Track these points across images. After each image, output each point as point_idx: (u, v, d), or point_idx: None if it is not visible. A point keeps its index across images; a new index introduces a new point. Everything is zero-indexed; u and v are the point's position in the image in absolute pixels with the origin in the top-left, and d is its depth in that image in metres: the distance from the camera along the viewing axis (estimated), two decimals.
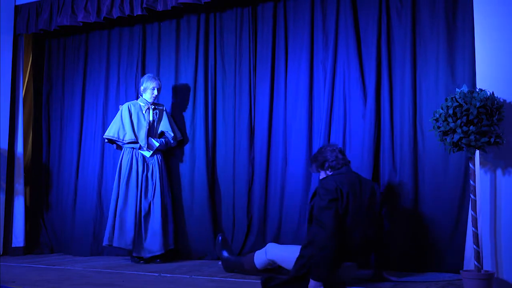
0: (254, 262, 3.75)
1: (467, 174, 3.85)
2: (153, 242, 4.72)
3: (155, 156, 4.90)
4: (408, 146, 4.18)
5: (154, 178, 4.85)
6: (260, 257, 3.76)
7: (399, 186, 4.21)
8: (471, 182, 3.17)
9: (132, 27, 5.51)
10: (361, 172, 4.30)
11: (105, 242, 4.78)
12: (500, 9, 3.35)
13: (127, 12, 5.12)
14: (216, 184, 5.04)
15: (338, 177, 3.42)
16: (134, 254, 4.72)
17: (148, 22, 5.43)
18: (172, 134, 4.97)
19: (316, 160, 3.62)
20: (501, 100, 3.23)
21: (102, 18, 5.25)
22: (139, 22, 5.46)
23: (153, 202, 4.81)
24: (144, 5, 4.98)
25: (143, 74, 5.40)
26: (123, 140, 4.88)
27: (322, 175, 3.63)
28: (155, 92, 4.92)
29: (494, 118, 3.06)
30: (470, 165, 3.18)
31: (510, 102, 3.25)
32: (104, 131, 5.50)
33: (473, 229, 3.12)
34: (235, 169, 4.92)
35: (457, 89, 3.17)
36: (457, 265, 3.71)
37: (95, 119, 5.57)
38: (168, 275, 4.03)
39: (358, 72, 4.44)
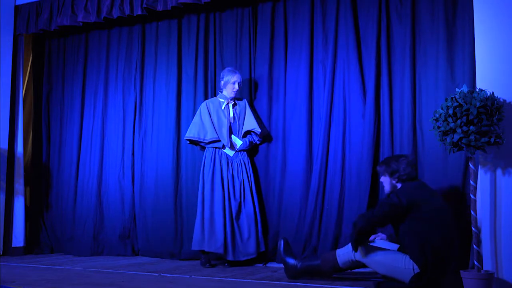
0: (337, 261, 3.58)
1: (467, 174, 3.85)
2: (249, 245, 4.48)
3: (238, 154, 4.65)
4: (408, 146, 4.18)
5: (240, 178, 4.59)
6: (347, 255, 3.57)
7: None
8: (471, 182, 3.16)
9: (132, 27, 5.51)
10: (360, 172, 4.32)
11: (196, 247, 4.52)
12: (500, 9, 3.35)
13: (127, 12, 5.13)
14: None
15: (411, 188, 3.45)
16: (229, 259, 4.43)
17: (147, 22, 5.43)
18: (260, 130, 4.65)
19: (388, 165, 3.58)
20: (501, 100, 3.23)
21: (102, 18, 5.25)
22: (139, 22, 5.46)
23: (244, 202, 4.56)
24: (144, 5, 4.99)
25: (142, 73, 5.41)
26: (204, 139, 4.64)
27: (386, 182, 3.60)
28: (236, 86, 4.64)
29: (494, 118, 3.06)
30: (470, 165, 3.18)
31: (510, 102, 3.25)
32: (103, 131, 5.51)
33: (473, 229, 3.12)
34: None
35: (457, 89, 3.17)
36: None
37: (95, 119, 5.57)
38: (168, 275, 4.03)
39: (357, 72, 4.45)
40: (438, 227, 3.29)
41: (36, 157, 5.85)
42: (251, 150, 4.82)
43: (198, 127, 4.68)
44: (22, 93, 5.71)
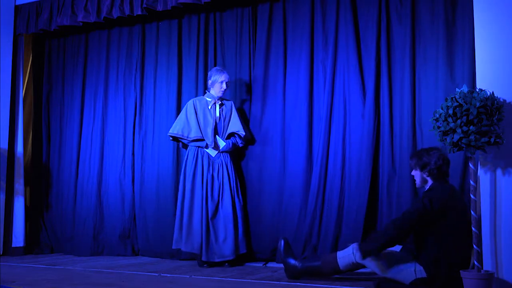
0: (337, 263, 3.54)
1: (467, 174, 3.85)
2: (224, 247, 4.44)
3: (221, 155, 4.62)
4: (408, 146, 4.18)
5: (219, 179, 4.56)
6: (347, 258, 3.52)
7: (398, 186, 4.21)
8: (471, 182, 3.16)
9: (132, 27, 5.51)
10: (360, 172, 4.32)
11: (174, 246, 4.58)
12: (500, 9, 3.35)
13: (127, 12, 5.13)
14: None
15: (445, 193, 3.32)
16: (203, 259, 4.43)
17: (147, 22, 5.43)
18: (244, 133, 4.65)
19: (420, 158, 3.41)
20: (501, 100, 3.23)
21: (102, 18, 5.25)
22: (139, 22, 5.46)
23: (221, 203, 4.53)
24: (144, 5, 4.99)
25: (142, 74, 5.41)
26: (188, 137, 4.61)
27: (417, 176, 3.45)
28: (224, 86, 4.61)
29: (494, 118, 3.06)
30: (470, 165, 3.18)
31: (510, 102, 3.25)
32: (103, 131, 5.51)
33: (473, 229, 3.12)
34: None
35: (457, 89, 3.17)
36: None
37: (95, 118, 5.57)
38: (168, 275, 4.03)
39: (357, 72, 4.45)
40: (457, 237, 3.26)
41: (36, 157, 5.85)
42: (247, 151, 4.82)
43: (182, 124, 4.65)
44: (22, 93, 5.71)
